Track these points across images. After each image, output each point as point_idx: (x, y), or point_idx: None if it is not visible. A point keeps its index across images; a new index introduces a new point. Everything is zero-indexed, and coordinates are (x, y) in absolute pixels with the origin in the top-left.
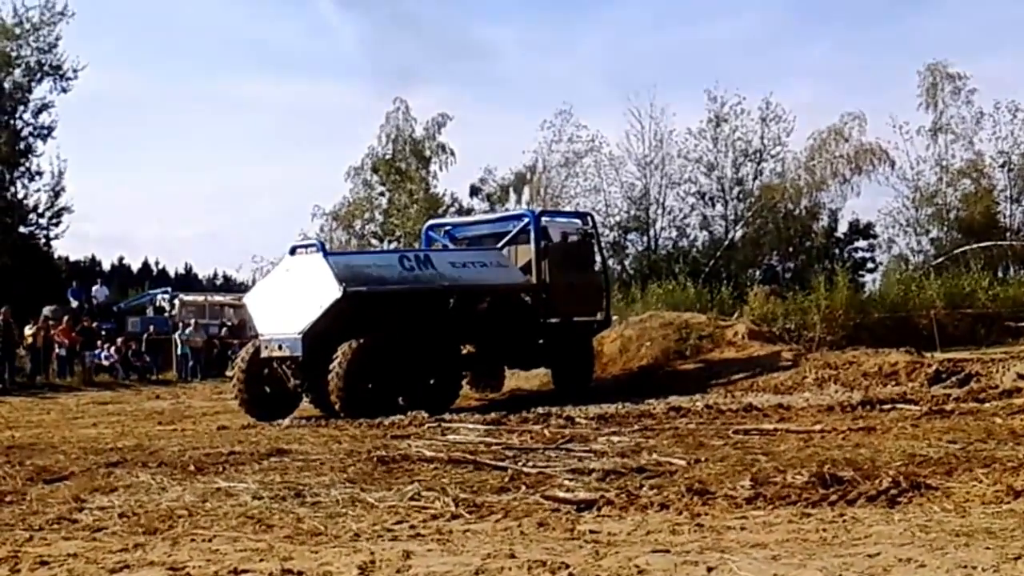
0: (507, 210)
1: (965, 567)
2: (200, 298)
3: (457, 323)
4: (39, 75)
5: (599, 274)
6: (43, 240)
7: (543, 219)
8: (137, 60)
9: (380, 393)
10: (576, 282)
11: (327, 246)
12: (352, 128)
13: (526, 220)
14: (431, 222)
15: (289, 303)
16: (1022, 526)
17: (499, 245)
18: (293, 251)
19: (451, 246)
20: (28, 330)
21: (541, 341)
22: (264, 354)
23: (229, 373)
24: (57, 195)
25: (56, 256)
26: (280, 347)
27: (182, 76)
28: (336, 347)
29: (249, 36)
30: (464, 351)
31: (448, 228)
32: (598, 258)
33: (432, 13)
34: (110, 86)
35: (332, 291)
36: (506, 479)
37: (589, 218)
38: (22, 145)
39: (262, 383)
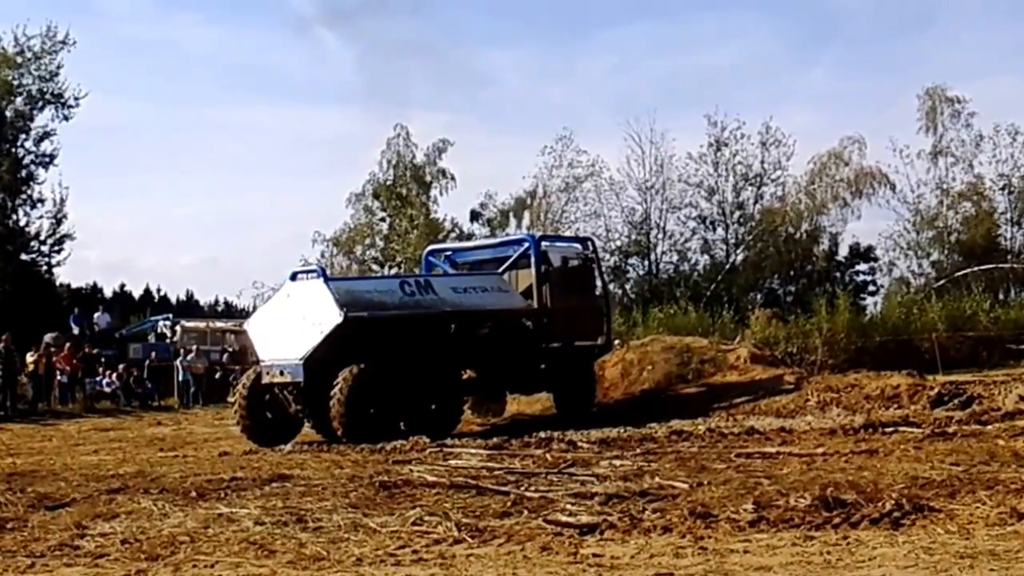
0: (507, 235)
1: None
2: (201, 324)
3: (458, 348)
4: (40, 103)
5: (600, 298)
6: (44, 267)
7: (543, 244)
8: (138, 87)
9: (381, 418)
10: (577, 306)
11: (328, 272)
12: (353, 154)
13: (526, 245)
14: (431, 247)
15: (290, 329)
16: None
17: (500, 270)
18: (294, 277)
19: (451, 271)
20: (29, 357)
21: (543, 366)
22: (265, 380)
23: (230, 399)
24: (59, 222)
25: (58, 283)
26: (281, 373)
27: (182, 103)
28: (337, 372)
29: (249, 63)
30: (465, 376)
31: (448, 253)
32: (598, 282)
33: (432, 40)
34: (111, 113)
35: (333, 316)
36: (509, 503)
37: (589, 243)
38: (24, 173)
39: (263, 409)
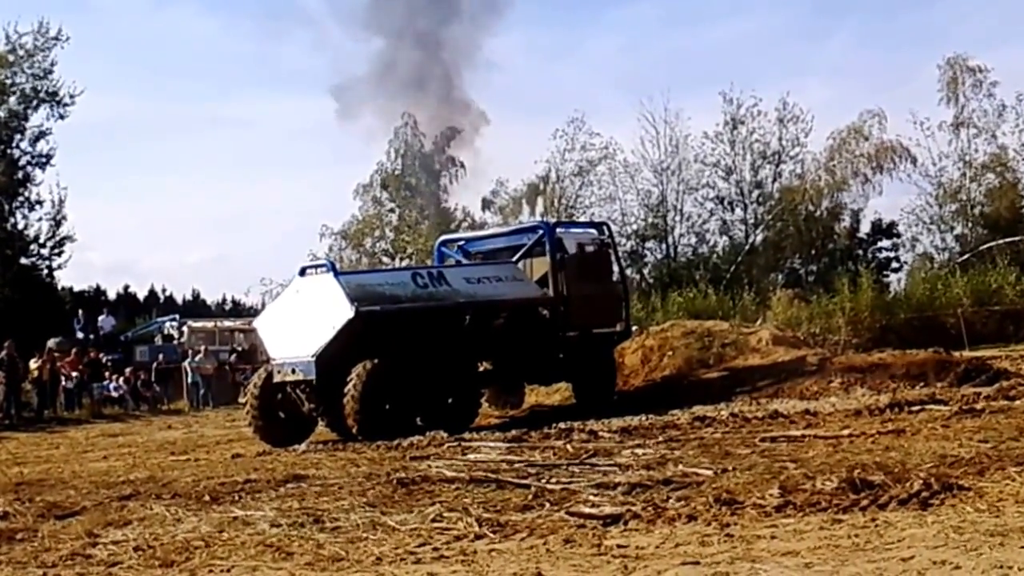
0: (520, 223)
1: (1001, 567)
2: (209, 324)
3: (474, 340)
4: (35, 102)
5: (617, 284)
6: (45, 271)
7: (558, 230)
8: (135, 83)
9: (397, 414)
10: (594, 293)
11: (337, 266)
12: (360, 145)
13: (541, 232)
14: (443, 237)
15: (301, 325)
16: None
17: (514, 259)
18: (303, 272)
19: (464, 261)
20: (33, 363)
21: (561, 355)
22: (277, 379)
23: (242, 400)
24: (58, 224)
25: (60, 287)
26: (293, 371)
27: (181, 98)
28: (350, 368)
29: (250, 54)
30: (482, 368)
31: (461, 243)
32: (615, 268)
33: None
34: (109, 110)
35: (345, 311)
36: (530, 497)
37: (605, 227)
38: (20, 174)
39: (276, 408)
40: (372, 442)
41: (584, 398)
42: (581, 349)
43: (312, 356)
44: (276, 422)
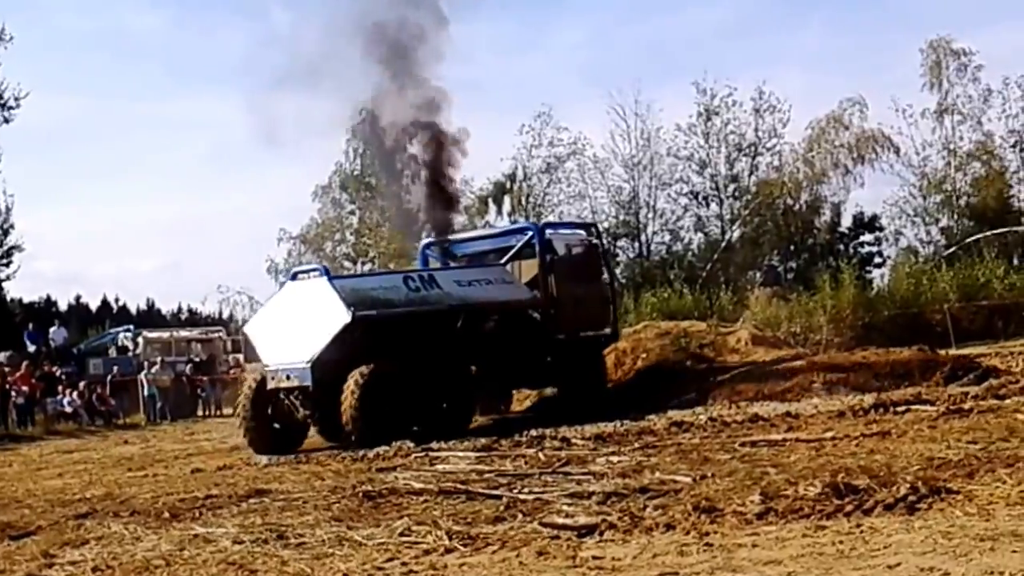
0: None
1: (991, 573)
2: (165, 334)
3: (466, 343)
4: None
5: (606, 286)
6: None
7: (547, 232)
8: (83, 83)
9: (394, 419)
10: (583, 295)
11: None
12: (317, 144)
13: (530, 234)
14: (427, 240)
15: (294, 331)
16: None
17: (502, 261)
18: (294, 276)
19: (452, 264)
20: None
21: (549, 358)
22: (271, 385)
23: (235, 409)
24: (5, 233)
25: (8, 298)
26: (288, 377)
27: (131, 97)
28: (345, 374)
29: (199, 51)
30: (474, 371)
31: (446, 246)
32: (604, 269)
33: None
34: (55, 113)
35: (341, 317)
36: (501, 508)
37: (593, 228)
38: None
39: (268, 417)
40: (337, 454)
41: (572, 401)
42: (570, 352)
43: (307, 362)
44: (269, 430)
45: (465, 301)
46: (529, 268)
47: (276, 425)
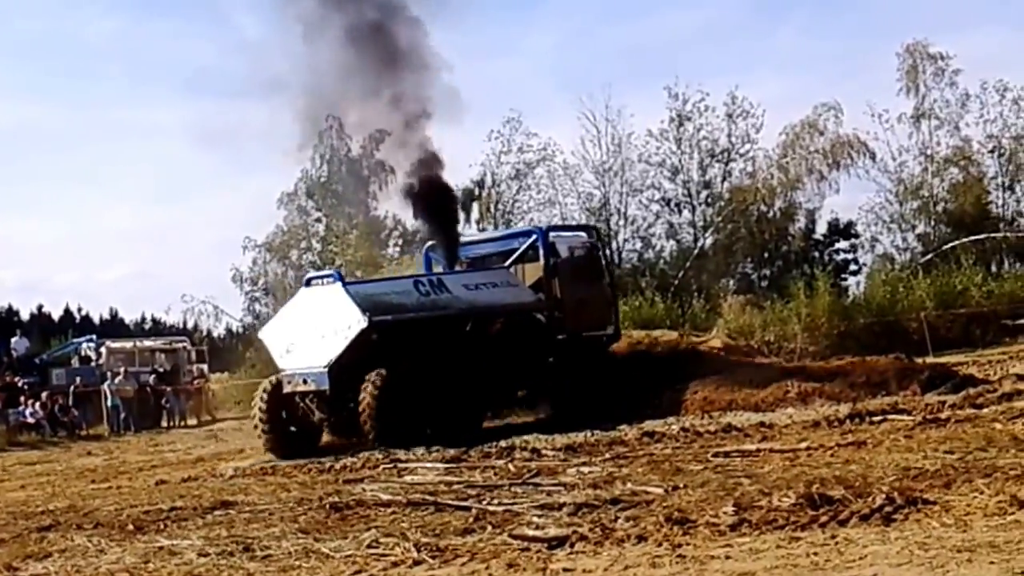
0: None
1: None
2: (128, 344)
3: (475, 346)
4: None
5: (607, 287)
6: None
7: (550, 235)
8: (42, 88)
9: (409, 421)
10: (586, 297)
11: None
12: (283, 152)
13: (534, 237)
14: (430, 243)
15: (310, 336)
16: None
17: (507, 264)
18: (308, 282)
19: (457, 268)
20: None
21: (553, 359)
22: (287, 389)
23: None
24: None
25: None
26: (305, 381)
27: (92, 103)
28: (360, 377)
29: (161, 56)
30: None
31: None
32: (605, 270)
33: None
34: (14, 118)
35: (357, 322)
36: (470, 519)
37: (594, 231)
38: None
39: (284, 420)
40: (303, 465)
41: (574, 402)
42: (574, 352)
43: (325, 367)
44: (286, 433)
45: (474, 305)
46: (533, 271)
47: (292, 428)
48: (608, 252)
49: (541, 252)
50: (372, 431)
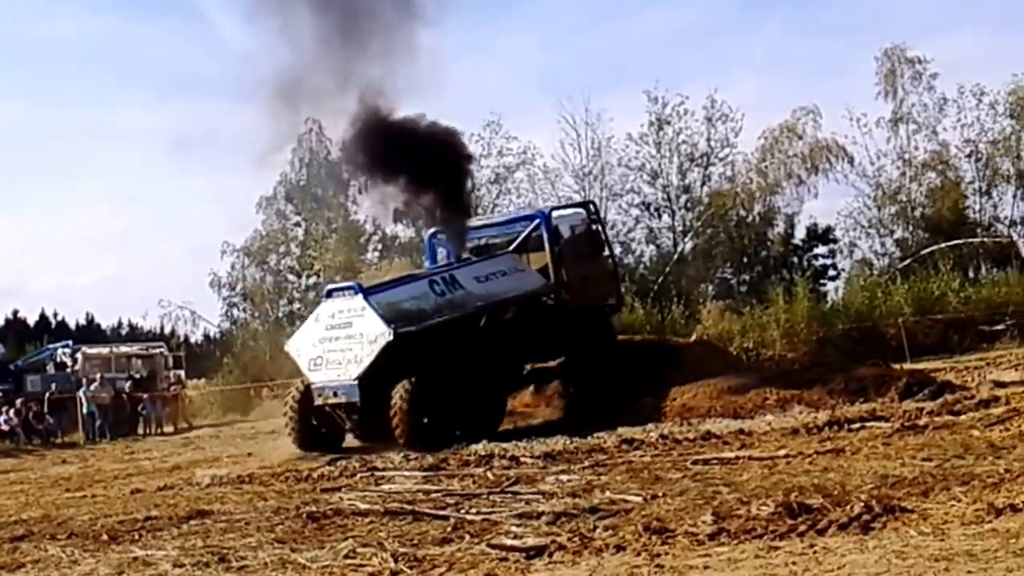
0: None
1: None
2: (105, 350)
3: (489, 339)
4: None
5: (607, 259)
6: None
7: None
8: (23, 90)
9: (439, 425)
10: (590, 272)
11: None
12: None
13: (537, 221)
14: (434, 229)
15: (336, 348)
16: (1005, 547)
17: (511, 249)
18: (330, 294)
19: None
20: None
21: (559, 331)
22: (318, 401)
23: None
24: None
25: None
26: (335, 394)
27: (72, 105)
28: (387, 385)
29: (143, 58)
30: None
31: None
32: (605, 244)
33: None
34: None
35: (383, 335)
36: (448, 529)
37: (591, 206)
38: None
39: (312, 418)
40: (279, 475)
41: (583, 376)
42: (580, 324)
43: (355, 380)
44: (314, 432)
45: (487, 298)
46: (537, 254)
47: (322, 430)
48: (605, 224)
49: (545, 236)
50: (404, 435)
